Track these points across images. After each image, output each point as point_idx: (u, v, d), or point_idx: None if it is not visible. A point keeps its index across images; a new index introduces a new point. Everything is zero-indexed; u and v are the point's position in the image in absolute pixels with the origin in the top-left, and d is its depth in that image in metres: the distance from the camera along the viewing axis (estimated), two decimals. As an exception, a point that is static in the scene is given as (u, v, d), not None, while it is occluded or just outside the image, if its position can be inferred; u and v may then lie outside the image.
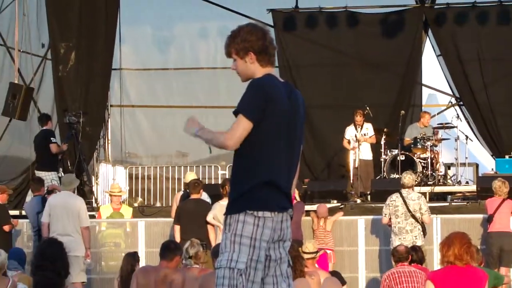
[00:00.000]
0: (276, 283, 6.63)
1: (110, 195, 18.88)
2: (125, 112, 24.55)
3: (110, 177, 21.72)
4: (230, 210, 6.53)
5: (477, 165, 21.23)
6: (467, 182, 20.51)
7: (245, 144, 6.42)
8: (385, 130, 20.45)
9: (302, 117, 6.77)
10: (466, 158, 21.07)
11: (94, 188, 21.27)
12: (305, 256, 11.58)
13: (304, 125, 6.86)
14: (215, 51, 23.72)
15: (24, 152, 21.30)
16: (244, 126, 6.37)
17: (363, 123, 20.18)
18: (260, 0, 23.56)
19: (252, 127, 6.36)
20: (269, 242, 6.49)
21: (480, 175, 20.42)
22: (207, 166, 22.56)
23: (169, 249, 11.73)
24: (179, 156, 24.41)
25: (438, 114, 23.27)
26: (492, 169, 20.61)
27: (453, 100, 23.24)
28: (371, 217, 17.12)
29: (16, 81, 21.53)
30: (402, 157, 19.80)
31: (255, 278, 6.45)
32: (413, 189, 16.07)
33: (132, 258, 13.58)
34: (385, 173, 19.99)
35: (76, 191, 18.92)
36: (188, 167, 22.29)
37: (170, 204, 19.69)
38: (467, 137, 21.26)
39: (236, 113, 6.42)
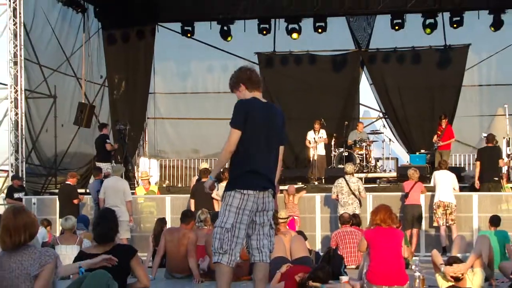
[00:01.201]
0: (259, 240, 6.69)
1: (141, 179, 19.00)
2: (157, 122, 24.52)
3: (146, 167, 21.69)
4: (226, 189, 6.65)
5: (397, 159, 21.23)
6: (390, 171, 20.50)
7: (237, 145, 6.51)
8: (334, 135, 20.46)
9: (280, 124, 6.83)
10: (389, 154, 21.10)
11: (136, 174, 21.19)
12: (280, 221, 11.52)
13: (282, 133, 6.92)
14: (219, 81, 23.68)
15: (88, 150, 21.24)
16: (233, 134, 6.50)
17: (320, 130, 20.14)
18: (249, 46, 23.46)
19: (243, 133, 6.48)
20: (251, 211, 6.55)
21: (399, 165, 20.41)
22: (213, 159, 22.51)
23: (186, 216, 11.71)
24: (194, 152, 24.36)
25: (370, 124, 23.31)
26: (407, 162, 20.60)
27: (381, 115, 23.27)
28: (324, 194, 17.03)
29: (83, 101, 21.51)
30: (346, 153, 19.79)
31: (239, 234, 6.50)
32: (353, 175, 16.02)
33: (161, 222, 13.55)
34: (334, 164, 19.95)
35: (123, 176, 18.98)
36: (200, 159, 22.26)
37: (188, 185, 19.68)
38: (390, 140, 21.26)
39: (231, 124, 6.56)
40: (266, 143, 6.62)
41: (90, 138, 20.98)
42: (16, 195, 17.44)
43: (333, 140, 20.26)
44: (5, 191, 18.32)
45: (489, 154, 16.90)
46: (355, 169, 16.95)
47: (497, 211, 15.09)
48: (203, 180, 15.78)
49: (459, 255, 9.61)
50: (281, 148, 6.86)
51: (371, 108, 24.02)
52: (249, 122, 6.50)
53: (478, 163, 16.86)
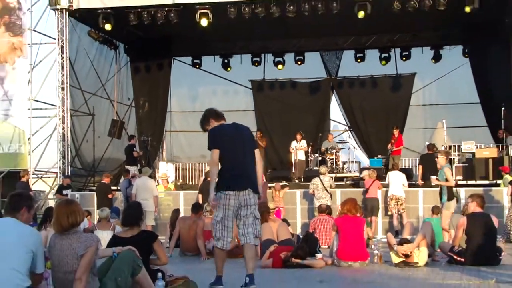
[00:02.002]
0: (244, 228, 6.68)
1: (161, 179, 18.97)
2: (173, 134, 24.43)
3: (165, 169, 21.54)
4: (216, 190, 6.69)
5: (359, 162, 21.12)
6: (354, 171, 20.37)
7: (220, 158, 6.61)
8: (311, 144, 20.39)
9: (247, 134, 6.88)
10: (354, 158, 21.04)
11: (156, 175, 21.07)
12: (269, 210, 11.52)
13: (252, 141, 6.96)
14: (221, 102, 23.50)
15: (119, 156, 21.13)
16: (214, 154, 6.61)
17: (301, 140, 20.11)
18: (244, 74, 23.49)
19: (219, 150, 6.57)
20: (235, 206, 6.60)
21: (361, 167, 20.29)
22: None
23: (196, 207, 11.73)
24: (202, 158, 24.20)
25: (338, 135, 23.25)
26: (368, 164, 20.51)
27: (347, 128, 23.29)
28: (303, 190, 17.05)
29: (115, 118, 21.47)
30: (320, 158, 19.72)
31: (228, 224, 6.59)
32: (326, 175, 16.03)
33: (176, 212, 13.49)
34: (311, 166, 19.89)
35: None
36: (206, 163, 22.09)
37: (197, 183, 19.64)
38: (354, 147, 21.28)
39: (209, 149, 6.66)
40: (240, 152, 6.66)
41: (120, 147, 20.94)
42: (64, 192, 17.38)
43: (310, 147, 20.25)
44: (55, 188, 18.36)
45: (429, 159, 16.93)
46: (327, 170, 16.93)
47: (437, 202, 15.05)
48: (208, 179, 15.75)
49: (408, 237, 9.63)
50: (256, 151, 6.84)
51: (339, 122, 23.99)
52: (222, 141, 6.60)
53: (420, 166, 16.94)
